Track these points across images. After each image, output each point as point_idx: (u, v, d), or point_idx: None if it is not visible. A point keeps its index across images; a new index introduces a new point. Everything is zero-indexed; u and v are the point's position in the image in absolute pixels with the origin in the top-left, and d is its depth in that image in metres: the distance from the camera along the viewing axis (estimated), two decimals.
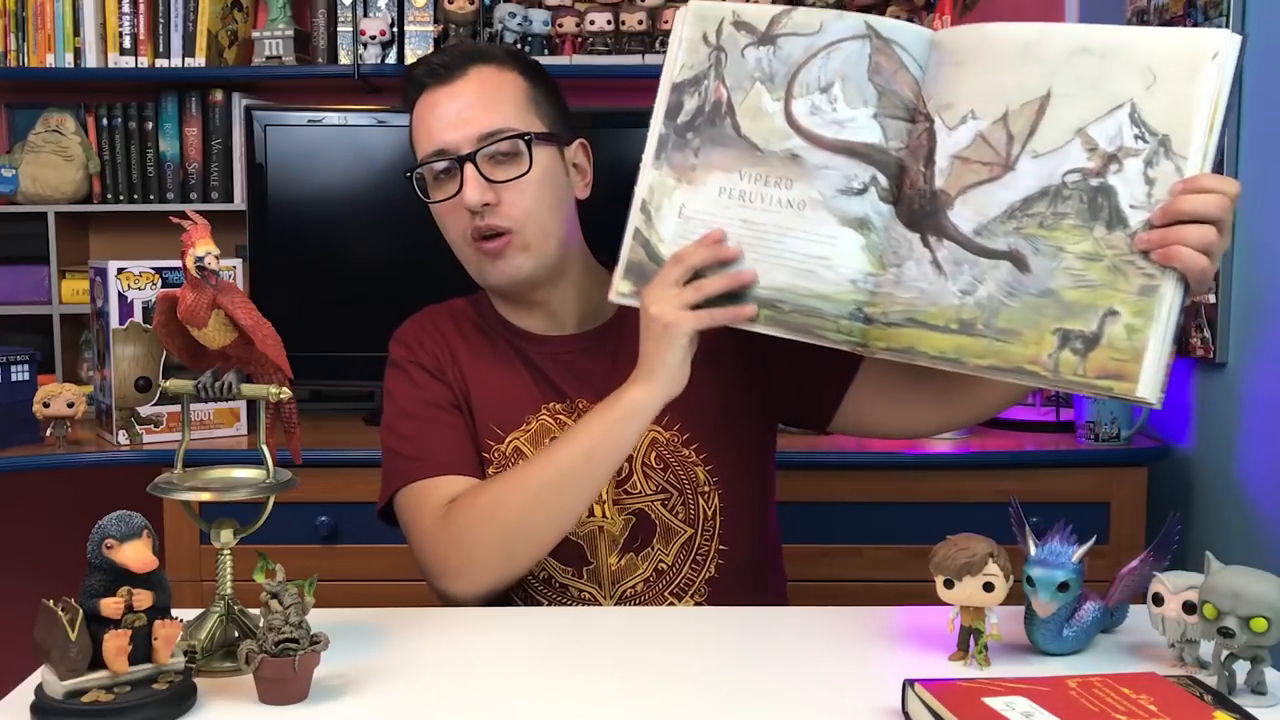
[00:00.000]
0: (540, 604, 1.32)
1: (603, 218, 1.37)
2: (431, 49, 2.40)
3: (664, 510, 1.31)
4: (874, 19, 1.12)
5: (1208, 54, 0.99)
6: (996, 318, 1.06)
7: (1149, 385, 1.00)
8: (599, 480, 1.21)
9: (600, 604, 1.31)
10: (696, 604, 1.31)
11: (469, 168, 1.26)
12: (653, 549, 1.31)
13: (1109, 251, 1.01)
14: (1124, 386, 1.01)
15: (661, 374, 1.16)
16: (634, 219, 1.17)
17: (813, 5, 1.08)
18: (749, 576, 1.36)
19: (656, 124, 1.16)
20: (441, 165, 1.29)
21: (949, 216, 1.08)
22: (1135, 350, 1.00)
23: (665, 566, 1.31)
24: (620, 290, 1.18)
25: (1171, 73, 1.00)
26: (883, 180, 1.10)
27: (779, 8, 1.14)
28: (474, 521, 1.22)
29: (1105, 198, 1.02)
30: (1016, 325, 1.05)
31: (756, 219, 1.13)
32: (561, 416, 1.33)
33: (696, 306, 1.13)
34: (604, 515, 1.31)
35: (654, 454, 1.32)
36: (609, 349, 1.35)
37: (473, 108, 1.28)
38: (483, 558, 1.21)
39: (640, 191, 1.17)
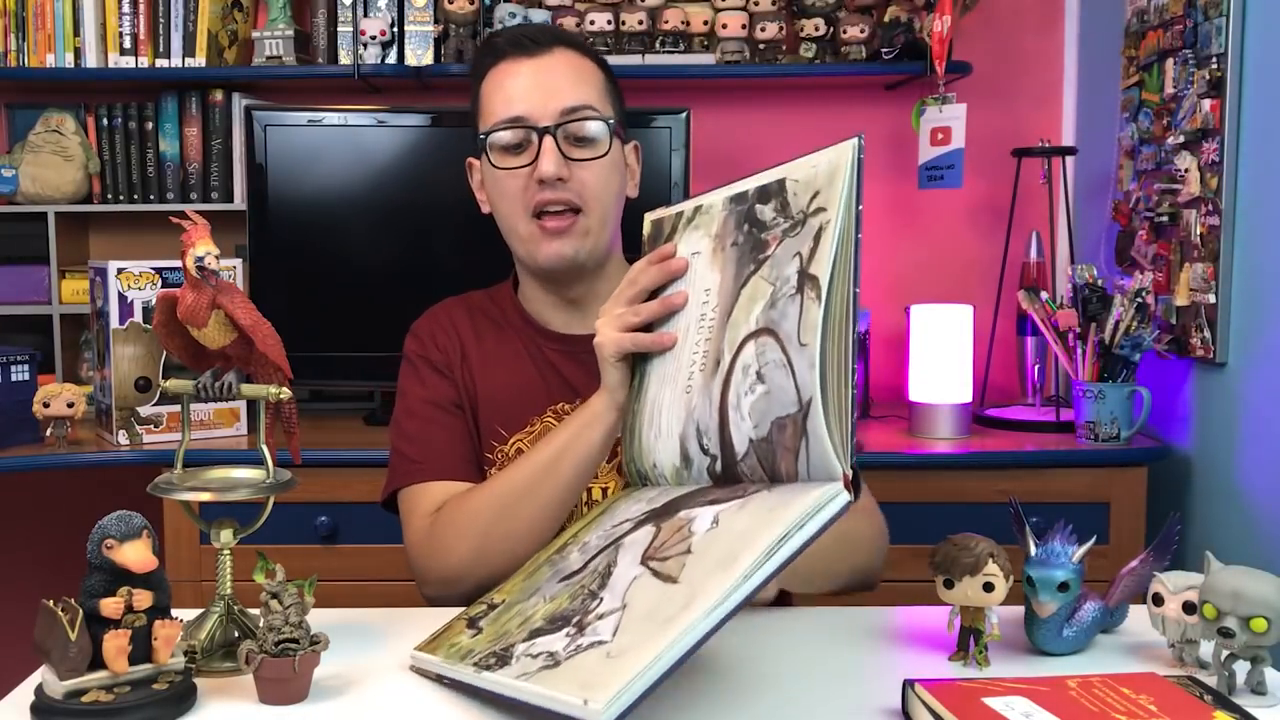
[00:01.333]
0: None
1: None
2: (432, 49, 2.40)
3: None
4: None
5: None
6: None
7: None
8: (566, 485, 1.20)
9: None
10: None
11: (548, 139, 1.26)
12: None
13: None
14: None
15: (607, 385, 1.17)
16: (686, 204, 1.16)
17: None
18: None
19: (753, 182, 1.07)
20: (516, 136, 1.28)
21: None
22: None
23: None
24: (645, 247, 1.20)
25: None
26: (719, 467, 1.02)
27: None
28: (452, 535, 1.24)
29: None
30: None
31: (690, 334, 1.09)
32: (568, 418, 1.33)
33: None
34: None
35: None
36: None
37: (559, 80, 1.28)
38: (458, 566, 1.23)
39: (706, 198, 1.13)
